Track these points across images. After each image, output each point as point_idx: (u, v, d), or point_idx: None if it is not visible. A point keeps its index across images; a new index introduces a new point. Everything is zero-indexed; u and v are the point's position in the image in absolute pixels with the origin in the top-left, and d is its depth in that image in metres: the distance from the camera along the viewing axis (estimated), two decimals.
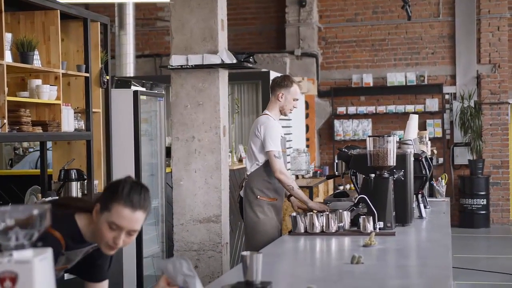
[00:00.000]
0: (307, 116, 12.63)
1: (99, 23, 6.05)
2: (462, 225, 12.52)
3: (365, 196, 4.41)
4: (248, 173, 5.38)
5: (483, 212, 12.54)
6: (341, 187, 11.61)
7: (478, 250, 10.80)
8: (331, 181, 11.63)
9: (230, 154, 8.15)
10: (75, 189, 5.57)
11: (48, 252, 1.80)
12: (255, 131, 5.34)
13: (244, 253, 2.75)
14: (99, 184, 5.99)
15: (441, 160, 12.83)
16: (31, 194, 5.91)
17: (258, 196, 5.32)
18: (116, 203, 2.60)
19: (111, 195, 2.63)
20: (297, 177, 10.83)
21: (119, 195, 2.60)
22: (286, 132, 10.60)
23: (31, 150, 9.15)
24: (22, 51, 4.99)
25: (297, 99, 5.47)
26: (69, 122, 5.44)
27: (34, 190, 5.94)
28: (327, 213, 4.40)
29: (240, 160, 8.43)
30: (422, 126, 12.60)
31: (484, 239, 11.91)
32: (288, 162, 10.32)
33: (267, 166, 5.29)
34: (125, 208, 2.59)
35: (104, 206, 2.62)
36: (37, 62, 5.13)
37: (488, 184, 12.63)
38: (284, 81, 5.44)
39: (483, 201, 12.51)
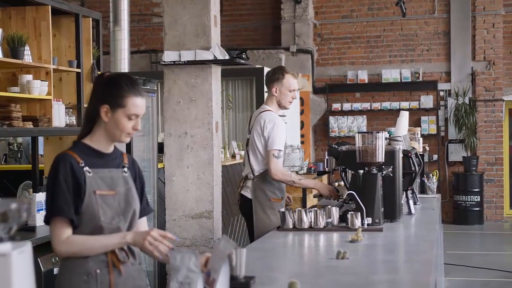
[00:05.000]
0: (302, 112, 12.66)
1: (91, 18, 6.06)
2: (456, 222, 12.55)
3: (353, 192, 4.42)
4: (256, 174, 5.22)
5: (477, 209, 12.57)
6: (336, 183, 11.63)
7: (472, 247, 10.83)
8: (325, 177, 11.65)
9: (223, 150, 8.17)
10: None
11: (27, 246, 1.82)
12: (261, 129, 5.18)
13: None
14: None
15: (435, 157, 12.86)
16: (23, 189, 5.92)
17: (271, 199, 5.21)
18: (127, 98, 2.88)
19: (118, 94, 2.88)
20: None
21: (126, 90, 2.89)
22: None
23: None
24: (13, 47, 4.99)
25: (293, 90, 5.31)
26: (60, 117, 5.45)
27: (26, 185, 5.95)
28: (316, 209, 4.41)
29: (233, 156, 8.44)
30: (416, 123, 12.63)
31: (478, 235, 11.95)
32: None
33: None
34: (137, 98, 2.90)
35: (116, 104, 2.88)
36: (28, 57, 5.14)
37: (482, 181, 12.66)
38: (275, 74, 5.31)
39: (477, 198, 12.54)
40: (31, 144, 6.01)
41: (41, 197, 4.98)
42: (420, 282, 2.93)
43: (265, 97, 10.12)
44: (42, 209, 4.96)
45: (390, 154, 4.66)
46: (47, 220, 2.87)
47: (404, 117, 5.83)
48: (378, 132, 4.53)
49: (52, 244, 2.87)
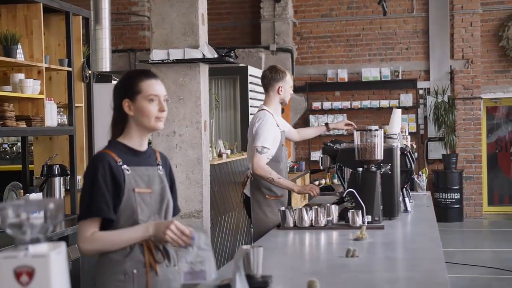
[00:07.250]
0: (282, 111, 12.60)
1: (81, 17, 5.98)
2: (436, 219, 12.59)
3: (353, 190, 4.41)
4: (253, 172, 5.21)
5: (457, 206, 12.67)
6: (317, 182, 11.66)
7: (453, 244, 10.90)
8: (307, 176, 11.67)
9: (210, 149, 8.12)
10: (58, 185, 5.50)
11: (62, 246, 1.78)
12: (253, 128, 5.24)
13: (245, 246, 2.74)
14: (82, 180, 5.92)
15: (415, 154, 12.92)
16: (10, 190, 5.81)
17: (267, 196, 5.22)
18: (140, 83, 2.90)
19: (131, 83, 2.91)
20: None
21: (137, 77, 2.92)
22: None
23: (5, 145, 9.03)
24: (5, 45, 4.91)
25: (291, 86, 5.44)
26: (52, 117, 5.37)
27: (13, 186, 5.85)
28: (316, 207, 4.39)
29: (220, 155, 8.40)
30: None
31: (458, 232, 12.04)
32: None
33: (272, 163, 5.17)
34: (150, 80, 2.92)
35: (133, 94, 2.89)
36: (20, 56, 5.05)
37: (461, 178, 12.77)
38: (278, 74, 5.35)
39: (456, 195, 12.64)
40: (21, 144, 5.91)
41: (34, 197, 4.90)
42: (438, 280, 2.93)
43: (249, 96, 10.20)
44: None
45: (388, 152, 4.67)
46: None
47: (397, 115, 5.86)
48: (377, 130, 4.52)
49: (77, 242, 2.86)
